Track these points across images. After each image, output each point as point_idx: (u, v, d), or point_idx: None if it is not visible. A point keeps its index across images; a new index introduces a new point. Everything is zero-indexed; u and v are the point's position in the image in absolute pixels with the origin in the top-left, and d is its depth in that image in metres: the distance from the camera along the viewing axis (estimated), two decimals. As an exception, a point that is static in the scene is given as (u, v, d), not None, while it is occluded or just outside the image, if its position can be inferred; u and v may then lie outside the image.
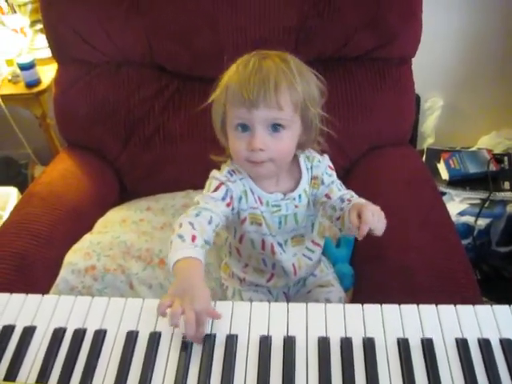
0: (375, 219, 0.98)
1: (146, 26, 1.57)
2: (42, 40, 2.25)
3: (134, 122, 1.68)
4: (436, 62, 2.24)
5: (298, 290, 1.33)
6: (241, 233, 1.20)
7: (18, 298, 0.99)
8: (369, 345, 0.86)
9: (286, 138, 1.05)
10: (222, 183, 1.10)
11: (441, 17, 2.11)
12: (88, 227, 1.54)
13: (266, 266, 1.25)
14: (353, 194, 1.17)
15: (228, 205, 1.10)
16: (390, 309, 0.92)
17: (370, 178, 1.59)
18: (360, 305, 0.92)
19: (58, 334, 0.91)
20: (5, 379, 0.85)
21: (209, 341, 0.87)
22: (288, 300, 1.32)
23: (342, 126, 1.60)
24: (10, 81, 2.15)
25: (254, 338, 0.88)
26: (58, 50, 1.70)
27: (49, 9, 1.63)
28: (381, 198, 1.46)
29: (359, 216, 0.99)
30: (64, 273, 1.36)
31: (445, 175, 2.14)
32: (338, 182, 1.20)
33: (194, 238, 0.96)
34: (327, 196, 1.17)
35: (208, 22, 1.54)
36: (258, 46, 1.49)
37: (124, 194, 1.75)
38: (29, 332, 0.91)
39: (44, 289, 1.31)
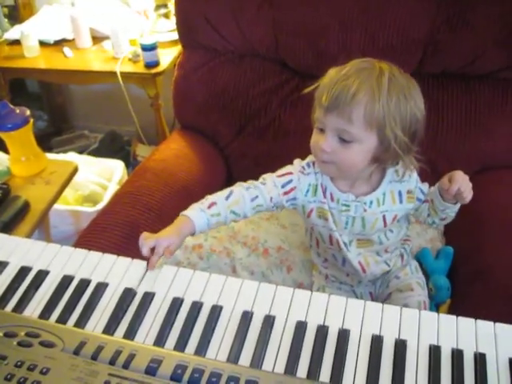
0: (464, 181, 1.06)
1: (276, 19, 1.61)
2: (163, 24, 2.34)
3: (251, 112, 1.72)
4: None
5: (382, 291, 1.34)
6: (310, 225, 1.26)
7: (124, 261, 1.03)
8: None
9: (353, 150, 1.07)
10: (290, 173, 1.19)
11: None
12: (195, 207, 1.59)
13: (336, 261, 1.28)
14: None
15: (285, 193, 1.18)
16: (484, 325, 0.89)
17: (479, 198, 1.55)
18: (454, 316, 0.91)
19: (147, 298, 0.95)
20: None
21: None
22: (374, 300, 1.32)
23: (456, 142, 1.60)
24: (130, 59, 2.24)
25: (332, 330, 0.89)
26: (186, 34, 1.77)
27: (183, -7, 1.70)
28: (485, 218, 1.45)
29: (449, 180, 1.08)
30: (172, 247, 1.40)
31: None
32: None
33: (210, 206, 1.13)
34: (426, 201, 1.21)
35: (338, 22, 1.56)
36: (385, 53, 1.52)
37: (229, 182, 1.78)
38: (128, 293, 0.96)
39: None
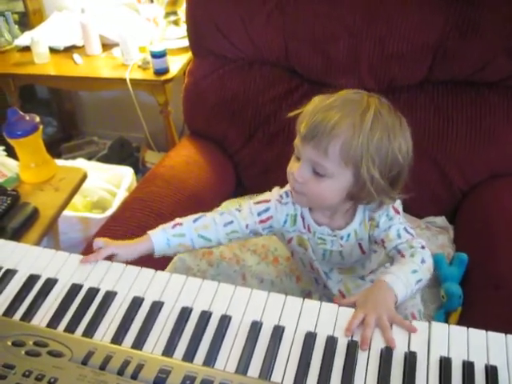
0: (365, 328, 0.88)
1: (286, 26, 1.61)
2: (173, 31, 2.34)
3: (261, 119, 1.72)
4: None
5: None
6: (290, 249, 1.25)
7: (132, 270, 1.02)
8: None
9: (326, 184, 1.01)
10: (268, 201, 1.16)
11: None
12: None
13: (318, 285, 1.27)
14: (404, 250, 1.07)
15: (261, 222, 1.14)
16: (495, 336, 0.87)
17: (488, 205, 1.54)
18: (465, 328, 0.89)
19: (156, 307, 0.94)
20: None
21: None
22: None
23: (465, 149, 1.59)
24: (139, 66, 2.25)
25: (341, 341, 0.88)
26: (196, 41, 1.77)
27: (194, 1, 1.70)
28: (496, 225, 1.44)
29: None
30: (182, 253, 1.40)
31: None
32: (401, 227, 1.10)
33: (174, 226, 1.12)
34: (382, 242, 1.11)
35: (347, 30, 1.56)
36: (394, 60, 1.52)
37: (239, 189, 1.80)
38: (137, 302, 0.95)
39: (161, 266, 1.35)
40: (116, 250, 1.06)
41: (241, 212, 1.14)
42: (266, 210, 1.15)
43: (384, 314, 0.89)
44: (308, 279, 1.39)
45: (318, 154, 0.98)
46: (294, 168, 1.05)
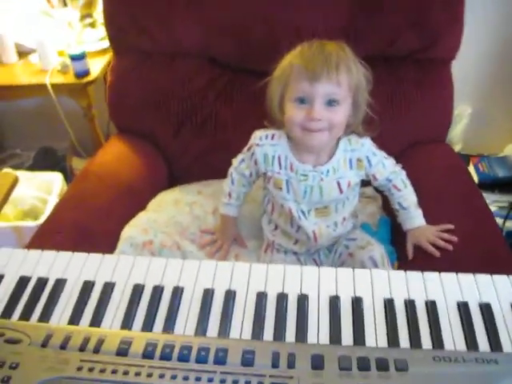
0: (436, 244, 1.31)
1: (205, 17, 1.64)
2: (90, 34, 2.33)
3: (187, 110, 1.74)
4: (465, 70, 2.27)
5: (332, 259, 1.42)
6: (269, 195, 1.39)
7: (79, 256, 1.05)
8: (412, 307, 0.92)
9: (339, 111, 1.20)
10: (249, 147, 1.36)
11: (471, 26, 2.17)
12: (141, 206, 1.61)
13: (292, 228, 1.36)
14: (395, 181, 1.39)
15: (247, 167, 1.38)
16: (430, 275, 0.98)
17: (410, 168, 1.63)
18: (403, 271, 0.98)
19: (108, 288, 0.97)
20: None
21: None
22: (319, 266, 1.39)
23: (385, 120, 1.66)
24: (59, 71, 2.21)
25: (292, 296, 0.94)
26: (116, 38, 1.77)
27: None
28: (420, 185, 1.53)
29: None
30: (122, 246, 1.42)
31: (474, 178, 2.20)
32: (382, 158, 1.37)
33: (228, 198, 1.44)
34: (373, 177, 1.36)
35: (263, 19, 1.62)
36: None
37: (172, 181, 1.81)
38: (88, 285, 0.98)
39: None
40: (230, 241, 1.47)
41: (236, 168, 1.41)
42: (246, 157, 1.37)
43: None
44: (255, 252, 1.47)
45: (331, 86, 1.16)
46: (312, 112, 1.17)
